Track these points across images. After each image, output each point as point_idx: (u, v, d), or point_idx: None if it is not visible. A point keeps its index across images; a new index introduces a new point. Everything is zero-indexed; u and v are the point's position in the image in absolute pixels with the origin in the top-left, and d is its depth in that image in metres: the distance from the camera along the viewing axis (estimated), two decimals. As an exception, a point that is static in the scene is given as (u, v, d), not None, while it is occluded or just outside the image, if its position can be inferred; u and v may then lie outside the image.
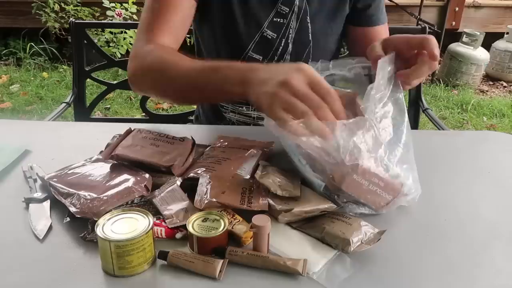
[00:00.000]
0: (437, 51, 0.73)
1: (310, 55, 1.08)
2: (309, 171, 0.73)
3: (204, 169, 0.77)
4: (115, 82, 1.56)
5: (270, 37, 1.05)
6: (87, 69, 1.47)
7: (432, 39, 0.74)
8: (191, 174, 0.76)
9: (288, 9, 1.03)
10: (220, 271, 0.59)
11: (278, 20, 1.03)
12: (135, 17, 3.44)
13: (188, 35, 1.21)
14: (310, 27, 1.05)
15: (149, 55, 0.91)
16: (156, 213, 0.68)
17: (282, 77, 0.65)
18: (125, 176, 0.74)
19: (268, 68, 0.73)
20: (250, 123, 1.13)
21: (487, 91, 3.68)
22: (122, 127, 0.86)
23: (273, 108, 0.65)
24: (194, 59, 0.86)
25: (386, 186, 0.69)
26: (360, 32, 1.10)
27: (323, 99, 0.65)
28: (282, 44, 1.06)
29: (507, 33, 3.72)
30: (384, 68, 0.74)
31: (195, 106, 1.38)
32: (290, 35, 1.05)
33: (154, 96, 1.18)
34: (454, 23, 3.92)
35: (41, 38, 3.72)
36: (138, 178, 0.73)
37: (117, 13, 3.36)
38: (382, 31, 1.10)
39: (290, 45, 1.06)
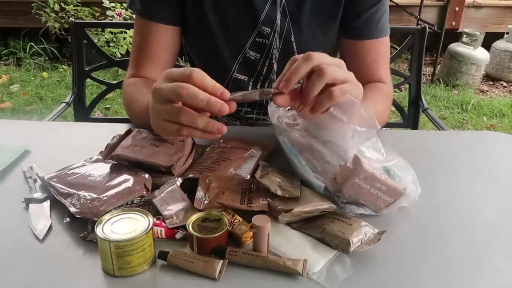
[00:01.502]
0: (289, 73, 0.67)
1: None
2: (309, 172, 0.73)
3: (204, 169, 0.77)
4: (115, 82, 1.56)
5: (253, 57, 1.03)
6: (87, 69, 1.47)
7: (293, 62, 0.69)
8: (191, 174, 0.76)
9: (269, 30, 1.00)
10: (220, 271, 0.59)
11: (260, 40, 1.02)
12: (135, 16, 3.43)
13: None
14: (295, 47, 1.02)
15: (124, 88, 1.01)
16: (156, 213, 0.68)
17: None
18: (125, 176, 0.74)
19: None
20: (242, 127, 1.13)
21: (487, 91, 3.68)
22: (122, 127, 0.86)
23: (157, 125, 0.68)
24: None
25: (388, 190, 0.69)
26: (351, 45, 1.04)
27: (189, 80, 0.63)
28: (267, 65, 1.04)
29: (507, 33, 3.72)
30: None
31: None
32: (274, 55, 1.03)
33: None
34: (454, 23, 3.92)
35: (41, 38, 3.73)
36: (138, 178, 0.73)
37: (117, 13, 3.36)
38: (374, 46, 1.03)
39: (275, 65, 1.04)
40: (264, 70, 1.05)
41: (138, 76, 1.01)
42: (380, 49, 1.04)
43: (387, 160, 0.72)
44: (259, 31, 1.01)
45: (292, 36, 1.02)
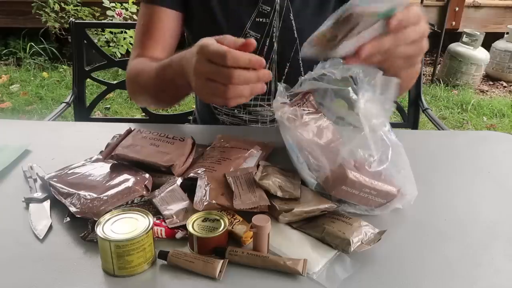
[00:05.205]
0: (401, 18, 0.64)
1: (298, 53, 1.08)
2: (304, 169, 0.73)
3: (204, 169, 0.77)
4: (115, 82, 1.56)
5: (254, 37, 1.05)
6: (87, 69, 1.47)
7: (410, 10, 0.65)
8: (191, 174, 0.76)
9: (269, 8, 1.03)
10: (220, 271, 0.59)
11: (261, 20, 1.04)
12: (135, 17, 3.43)
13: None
14: (294, 25, 1.05)
15: (129, 68, 1.04)
16: (156, 213, 0.68)
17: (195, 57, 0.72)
18: (125, 176, 0.74)
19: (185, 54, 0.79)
20: (243, 126, 1.14)
21: (487, 91, 3.68)
22: (122, 127, 0.86)
23: (200, 84, 0.71)
24: (161, 61, 0.91)
25: (379, 193, 0.69)
26: None
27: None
28: (267, 44, 1.06)
29: (507, 33, 3.72)
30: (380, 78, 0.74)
31: (194, 107, 1.38)
32: (274, 34, 1.05)
33: (146, 105, 1.31)
34: (454, 23, 3.92)
35: (41, 38, 3.72)
36: (138, 178, 0.73)
37: (117, 13, 3.36)
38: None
39: (276, 44, 1.07)
40: (265, 49, 1.07)
41: (144, 55, 1.03)
42: None
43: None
44: (260, 11, 1.03)
45: (291, 15, 1.04)
